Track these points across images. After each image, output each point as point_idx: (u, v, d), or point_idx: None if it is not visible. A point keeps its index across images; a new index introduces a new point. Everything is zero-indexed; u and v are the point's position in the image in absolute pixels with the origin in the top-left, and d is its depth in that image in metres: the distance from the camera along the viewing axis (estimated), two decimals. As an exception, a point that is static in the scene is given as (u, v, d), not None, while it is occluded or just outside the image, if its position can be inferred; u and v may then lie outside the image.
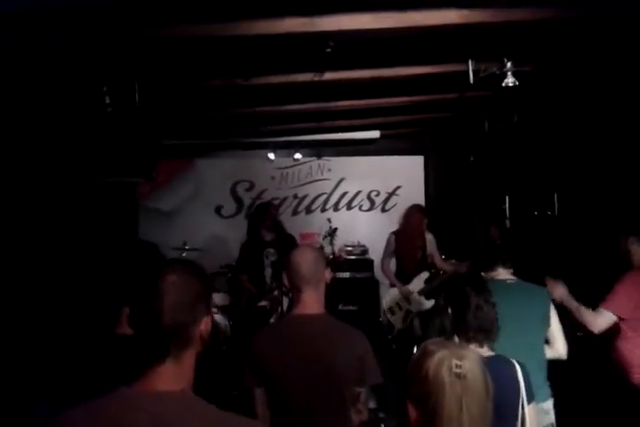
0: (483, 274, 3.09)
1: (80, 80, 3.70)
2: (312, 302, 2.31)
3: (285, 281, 2.40)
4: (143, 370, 1.25)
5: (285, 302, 4.94)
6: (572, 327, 3.56)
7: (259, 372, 2.25)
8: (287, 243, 4.99)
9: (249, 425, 1.27)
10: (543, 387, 2.91)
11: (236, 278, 5.54)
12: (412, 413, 1.53)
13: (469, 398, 1.44)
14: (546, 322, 2.97)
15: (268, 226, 5.31)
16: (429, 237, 5.45)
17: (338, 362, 2.20)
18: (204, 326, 1.30)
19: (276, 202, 7.73)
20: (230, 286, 5.94)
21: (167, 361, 1.25)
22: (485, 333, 2.29)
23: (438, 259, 5.47)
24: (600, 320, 3.28)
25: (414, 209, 5.54)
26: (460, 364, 1.46)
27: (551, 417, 2.87)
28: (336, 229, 7.03)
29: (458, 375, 1.44)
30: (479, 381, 1.48)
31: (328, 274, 2.40)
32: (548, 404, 2.88)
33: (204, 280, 1.35)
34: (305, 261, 2.32)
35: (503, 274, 3.05)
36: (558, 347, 3.00)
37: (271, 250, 5.24)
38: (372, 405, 4.62)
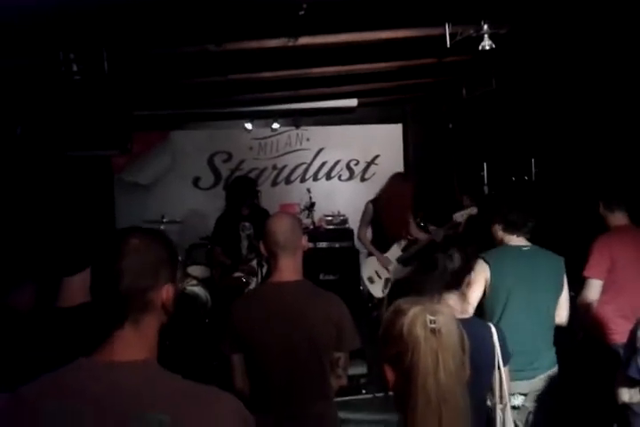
0: (500, 234, 3.05)
1: (46, 48, 3.57)
2: (289, 269, 2.29)
3: (262, 249, 2.36)
4: (102, 340, 1.20)
5: (263, 272, 4.95)
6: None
7: (237, 339, 2.24)
8: (262, 217, 4.98)
9: (214, 393, 1.20)
10: (551, 350, 2.97)
11: (212, 251, 5.55)
12: (390, 375, 1.51)
13: (445, 353, 1.41)
14: (560, 289, 3.01)
15: (249, 204, 5.33)
16: None
17: (315, 327, 2.20)
18: (165, 293, 1.25)
19: (255, 173, 7.67)
20: (209, 258, 5.93)
21: (126, 327, 1.20)
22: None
23: (413, 227, 5.46)
24: (588, 291, 3.40)
25: (401, 178, 5.38)
26: (434, 319, 1.44)
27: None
28: (314, 203, 6.98)
29: (432, 331, 1.42)
30: (454, 335, 1.46)
31: (305, 241, 2.37)
32: (554, 371, 2.93)
33: (169, 246, 1.30)
34: (281, 227, 2.30)
35: (518, 240, 3.02)
36: (562, 314, 3.04)
37: (246, 224, 5.27)
38: (358, 371, 4.68)
